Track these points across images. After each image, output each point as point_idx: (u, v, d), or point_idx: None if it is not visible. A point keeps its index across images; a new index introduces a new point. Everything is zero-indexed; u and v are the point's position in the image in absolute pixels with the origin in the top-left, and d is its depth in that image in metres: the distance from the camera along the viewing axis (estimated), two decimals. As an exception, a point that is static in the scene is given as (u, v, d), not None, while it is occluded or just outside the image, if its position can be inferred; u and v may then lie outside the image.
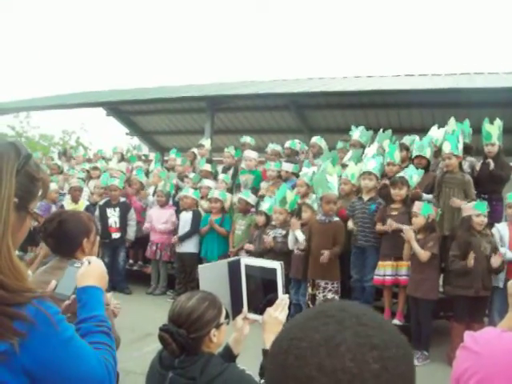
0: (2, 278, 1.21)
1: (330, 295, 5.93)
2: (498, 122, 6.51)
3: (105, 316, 1.58)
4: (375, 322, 0.80)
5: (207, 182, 8.47)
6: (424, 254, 5.44)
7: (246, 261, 2.23)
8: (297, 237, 6.34)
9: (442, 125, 7.38)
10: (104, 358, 1.42)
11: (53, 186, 8.71)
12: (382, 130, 7.94)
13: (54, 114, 33.28)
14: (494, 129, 6.49)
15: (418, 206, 5.66)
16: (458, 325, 5.28)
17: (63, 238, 2.43)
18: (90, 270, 1.67)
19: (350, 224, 6.39)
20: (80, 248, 2.47)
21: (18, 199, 1.28)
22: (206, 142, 10.21)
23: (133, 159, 11.24)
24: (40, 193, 1.39)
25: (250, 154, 8.80)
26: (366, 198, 6.39)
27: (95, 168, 9.98)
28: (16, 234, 1.31)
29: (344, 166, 7.21)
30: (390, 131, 7.82)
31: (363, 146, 7.78)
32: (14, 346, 1.17)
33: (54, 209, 8.39)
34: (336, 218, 6.22)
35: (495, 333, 1.26)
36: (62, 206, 8.30)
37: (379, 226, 6.03)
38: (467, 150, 6.94)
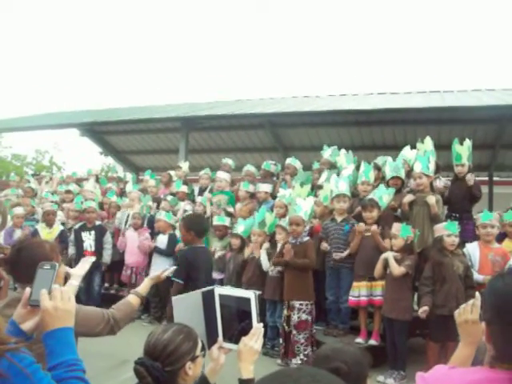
0: None
1: (304, 316, 5.87)
2: (468, 143, 6.59)
3: (75, 358, 1.53)
4: (328, 379, 0.91)
5: (184, 205, 8.43)
6: (398, 269, 5.46)
7: (219, 290, 2.27)
8: (262, 262, 6.40)
9: (413, 142, 7.44)
10: None
11: (18, 210, 8.58)
12: (346, 149, 7.90)
13: (26, 133, 32.95)
14: (463, 149, 6.56)
15: (396, 228, 5.69)
16: (434, 344, 5.34)
17: (18, 265, 2.34)
18: (51, 309, 1.52)
19: (324, 245, 6.43)
20: None
21: None
22: (184, 165, 10.14)
23: (103, 182, 11.01)
24: None
25: (221, 174, 8.77)
26: (339, 219, 6.44)
27: (68, 192, 9.88)
28: None
29: (320, 187, 7.20)
30: (350, 152, 7.82)
31: (334, 166, 7.79)
32: None
33: (17, 233, 8.27)
34: (306, 238, 6.19)
35: (444, 370, 1.37)
36: (35, 231, 8.20)
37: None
38: (438, 169, 7.04)
